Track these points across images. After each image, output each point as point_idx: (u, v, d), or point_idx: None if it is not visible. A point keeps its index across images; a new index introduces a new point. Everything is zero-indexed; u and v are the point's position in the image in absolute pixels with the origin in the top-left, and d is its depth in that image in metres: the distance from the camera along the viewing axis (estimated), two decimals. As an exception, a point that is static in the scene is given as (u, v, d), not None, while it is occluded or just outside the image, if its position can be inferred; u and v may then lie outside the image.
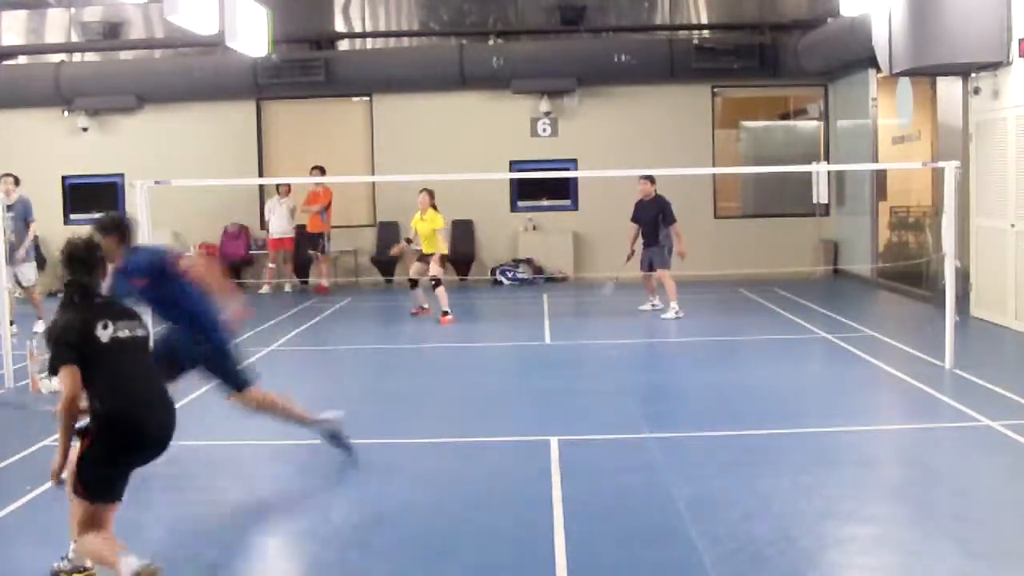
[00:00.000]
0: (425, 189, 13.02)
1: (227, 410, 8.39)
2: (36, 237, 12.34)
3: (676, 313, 12.44)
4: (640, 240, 13.01)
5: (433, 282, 12.88)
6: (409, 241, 13.43)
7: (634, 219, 13.05)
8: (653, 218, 12.83)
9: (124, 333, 4.25)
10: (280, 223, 16.76)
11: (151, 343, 4.41)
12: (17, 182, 12.22)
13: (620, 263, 13.30)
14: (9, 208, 11.84)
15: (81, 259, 4.33)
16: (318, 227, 16.41)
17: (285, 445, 7.21)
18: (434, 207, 12.96)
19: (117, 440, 4.13)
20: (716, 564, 4.61)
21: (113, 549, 4.04)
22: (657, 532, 5.11)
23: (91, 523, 4.15)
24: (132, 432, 4.17)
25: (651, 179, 12.92)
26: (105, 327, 4.19)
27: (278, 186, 16.83)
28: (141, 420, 4.22)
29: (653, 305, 13.05)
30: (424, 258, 13.10)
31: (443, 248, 13.20)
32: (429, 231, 12.93)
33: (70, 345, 4.12)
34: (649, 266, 12.91)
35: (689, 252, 13.02)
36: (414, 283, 13.31)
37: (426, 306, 13.34)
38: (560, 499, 5.58)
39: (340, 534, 5.23)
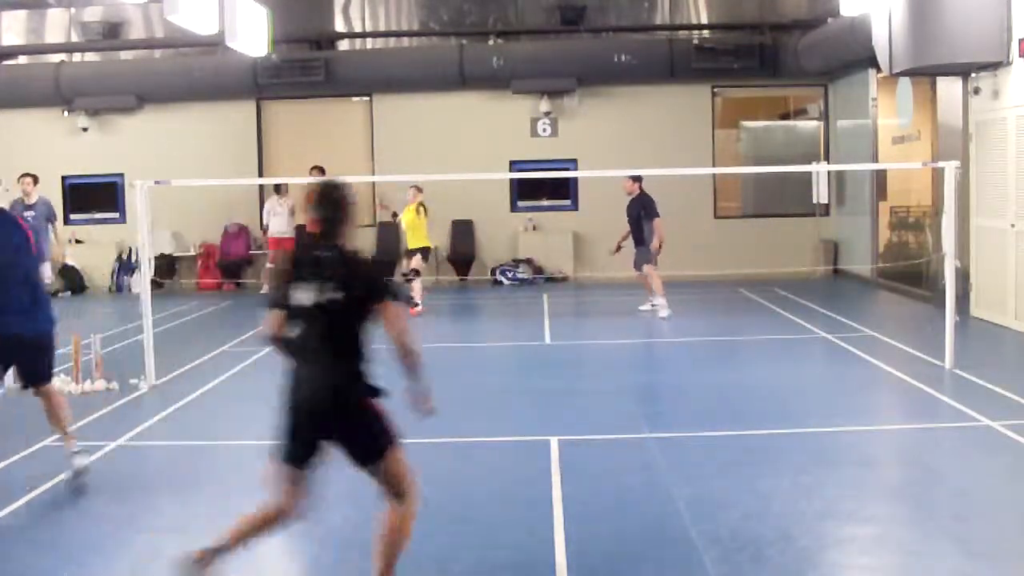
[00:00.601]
0: (414, 185, 13.48)
1: (226, 410, 8.42)
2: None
3: (664, 311, 12.43)
4: (631, 239, 13.05)
5: (411, 275, 13.43)
6: (395, 215, 14.16)
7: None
8: (636, 216, 12.83)
9: (311, 299, 4.06)
10: (280, 223, 16.75)
11: (349, 305, 4.10)
12: (36, 181, 12.14)
13: (617, 262, 13.33)
14: (30, 208, 11.76)
15: (328, 199, 4.20)
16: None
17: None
18: (422, 204, 13.45)
19: (287, 400, 4.14)
20: (716, 564, 4.61)
21: (237, 536, 4.15)
22: (657, 532, 5.11)
23: (275, 481, 4.16)
24: (290, 394, 4.13)
25: (635, 177, 12.92)
26: (297, 289, 4.10)
27: (277, 186, 16.80)
28: (295, 385, 4.13)
29: (653, 305, 13.05)
30: (409, 253, 13.60)
31: (424, 241, 13.56)
32: (408, 223, 13.47)
33: (277, 292, 4.19)
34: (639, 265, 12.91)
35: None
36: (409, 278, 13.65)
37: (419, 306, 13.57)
38: (560, 499, 5.58)
39: (340, 534, 5.23)
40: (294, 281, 4.11)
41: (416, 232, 13.41)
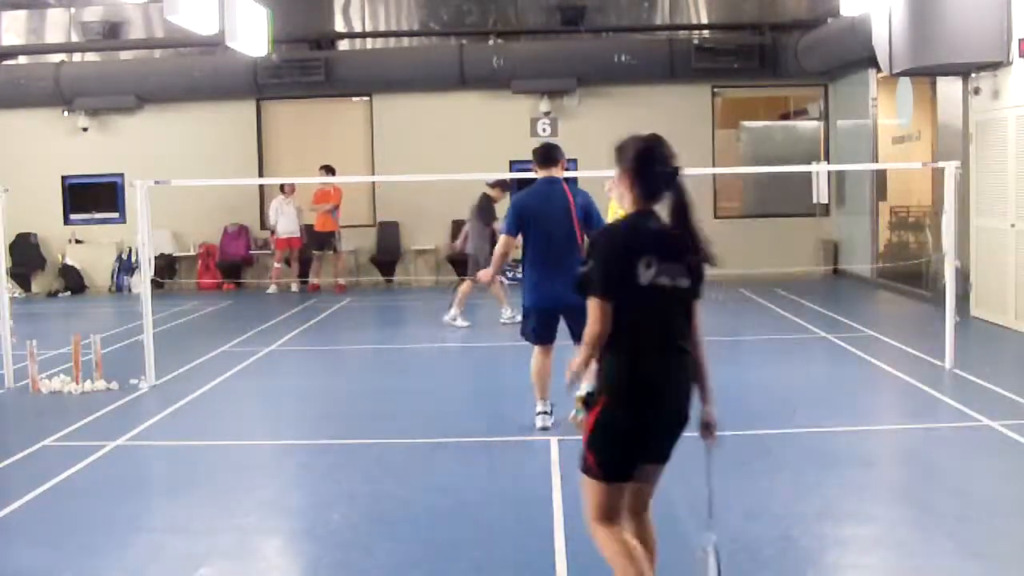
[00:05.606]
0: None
1: (226, 410, 8.42)
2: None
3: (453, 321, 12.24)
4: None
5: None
6: None
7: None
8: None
9: (665, 280, 3.47)
10: (289, 223, 16.76)
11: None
12: None
13: None
14: None
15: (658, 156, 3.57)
16: (329, 226, 16.44)
17: (286, 445, 7.22)
18: None
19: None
20: (716, 564, 4.61)
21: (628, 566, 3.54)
22: (657, 532, 5.10)
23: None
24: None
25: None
26: (648, 266, 3.47)
27: (282, 186, 16.79)
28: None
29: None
30: None
31: None
32: None
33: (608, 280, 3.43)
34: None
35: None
36: None
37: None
38: (560, 499, 5.57)
39: (340, 534, 5.22)
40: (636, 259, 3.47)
41: None
